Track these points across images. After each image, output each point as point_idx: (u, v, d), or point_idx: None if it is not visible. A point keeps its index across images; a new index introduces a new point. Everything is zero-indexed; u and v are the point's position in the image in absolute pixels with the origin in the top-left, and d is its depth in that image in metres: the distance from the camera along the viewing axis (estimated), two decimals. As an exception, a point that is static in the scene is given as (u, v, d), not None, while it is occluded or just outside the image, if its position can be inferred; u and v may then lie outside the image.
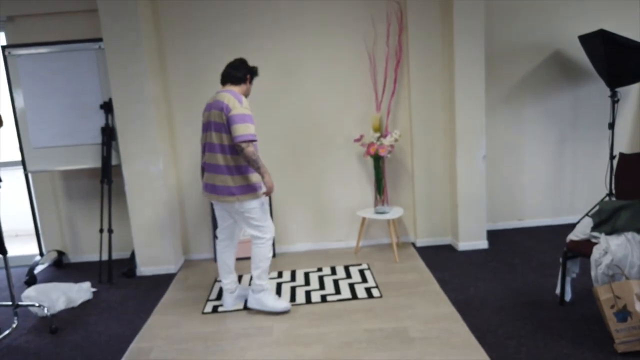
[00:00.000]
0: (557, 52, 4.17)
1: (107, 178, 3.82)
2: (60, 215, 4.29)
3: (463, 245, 3.94)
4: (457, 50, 3.69)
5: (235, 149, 2.85)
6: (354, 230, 4.19)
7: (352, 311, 3.00)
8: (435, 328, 2.72)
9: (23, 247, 4.78)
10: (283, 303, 3.05)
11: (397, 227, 4.17)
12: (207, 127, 2.96)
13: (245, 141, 2.77)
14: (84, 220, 4.29)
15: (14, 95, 3.79)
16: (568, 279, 2.89)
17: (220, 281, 3.40)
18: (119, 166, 3.80)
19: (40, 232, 4.18)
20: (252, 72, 3.04)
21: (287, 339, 2.72)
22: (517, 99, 4.22)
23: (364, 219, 3.95)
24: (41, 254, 4.17)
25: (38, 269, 4.15)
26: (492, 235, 4.23)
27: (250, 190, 2.92)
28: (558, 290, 2.91)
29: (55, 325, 3.06)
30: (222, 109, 2.82)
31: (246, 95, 3.03)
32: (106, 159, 3.81)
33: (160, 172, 3.76)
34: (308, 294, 3.29)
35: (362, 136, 3.86)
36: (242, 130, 2.77)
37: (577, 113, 4.28)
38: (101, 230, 3.88)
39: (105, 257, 4.21)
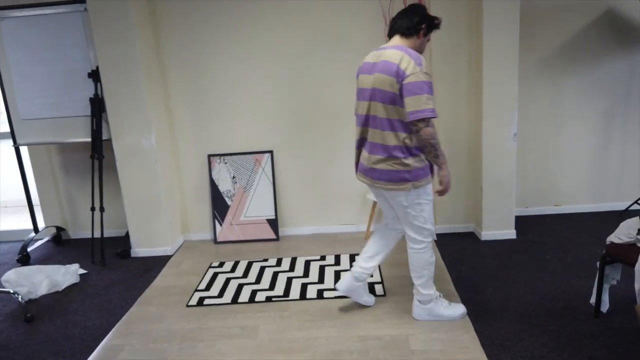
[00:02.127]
0: (610, 11, 3.53)
1: (97, 153, 3.55)
2: (58, 190, 4.10)
3: (487, 235, 3.49)
4: (486, 7, 3.14)
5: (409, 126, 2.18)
6: (365, 213, 3.80)
7: (350, 311, 2.65)
8: (440, 339, 2.34)
9: (14, 220, 4.65)
10: (459, 308, 2.51)
11: (413, 212, 3.74)
12: (367, 94, 2.28)
13: (422, 119, 2.12)
14: (82, 196, 4.08)
15: None
16: (606, 287, 2.42)
17: (353, 263, 2.83)
18: (111, 140, 3.53)
19: (34, 206, 4.00)
20: (430, 22, 2.27)
21: (271, 344, 2.41)
22: (556, 66, 3.64)
23: (375, 202, 3.54)
24: (35, 230, 4.01)
25: (35, 244, 4.00)
26: (523, 222, 3.74)
27: (423, 178, 2.27)
28: (593, 300, 2.45)
29: (32, 313, 2.87)
30: (395, 74, 2.13)
31: (420, 53, 2.26)
32: (96, 133, 3.53)
33: (153, 146, 3.45)
34: (304, 287, 2.95)
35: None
36: (418, 104, 2.09)
37: (631, 84, 3.66)
38: (92, 209, 3.65)
39: (98, 236, 4.01)
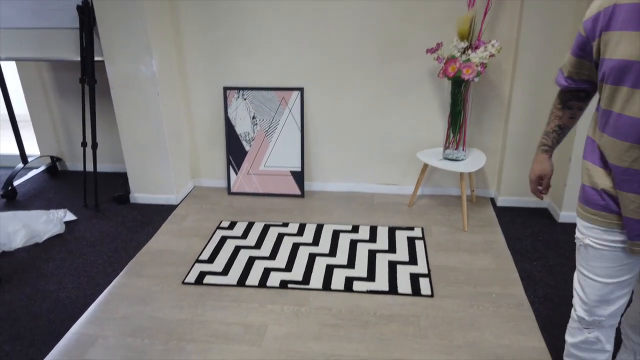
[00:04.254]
0: None
1: (87, 76, 2.88)
2: (53, 116, 3.50)
3: (566, 216, 2.74)
4: None
5: None
6: (412, 172, 3.07)
7: (385, 318, 2.03)
8: (509, 382, 1.71)
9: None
10: None
11: (473, 178, 3.00)
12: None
13: None
14: (80, 123, 3.48)
15: (-31, -48, 2.81)
16: None
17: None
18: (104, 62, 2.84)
19: (20, 133, 3.43)
20: None
21: (279, 356, 1.84)
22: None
23: (426, 165, 2.80)
24: (24, 160, 3.47)
25: (27, 175, 3.48)
26: (611, 201, 2.96)
27: None
28: None
29: (0, 273, 2.38)
30: None
31: None
32: (86, 51, 2.84)
33: (154, 74, 2.76)
34: (329, 272, 2.34)
35: (439, 45, 2.56)
36: None
37: None
38: (83, 144, 3.04)
39: (91, 176, 3.45)
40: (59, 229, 2.76)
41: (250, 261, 2.44)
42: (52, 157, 3.57)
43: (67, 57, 2.93)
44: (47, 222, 2.73)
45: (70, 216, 2.92)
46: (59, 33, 2.87)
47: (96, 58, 2.86)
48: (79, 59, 2.89)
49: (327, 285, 2.24)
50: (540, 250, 2.50)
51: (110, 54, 2.74)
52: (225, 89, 3.02)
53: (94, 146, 2.98)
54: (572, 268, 2.34)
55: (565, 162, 2.66)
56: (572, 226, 2.70)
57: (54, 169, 3.59)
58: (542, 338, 1.90)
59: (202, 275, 2.34)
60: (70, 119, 3.47)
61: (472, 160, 2.71)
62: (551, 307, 2.08)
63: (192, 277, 2.32)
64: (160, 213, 2.97)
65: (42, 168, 3.56)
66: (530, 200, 2.93)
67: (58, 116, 3.49)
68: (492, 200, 3.02)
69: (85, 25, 2.77)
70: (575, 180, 2.64)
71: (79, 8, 2.76)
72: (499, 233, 2.66)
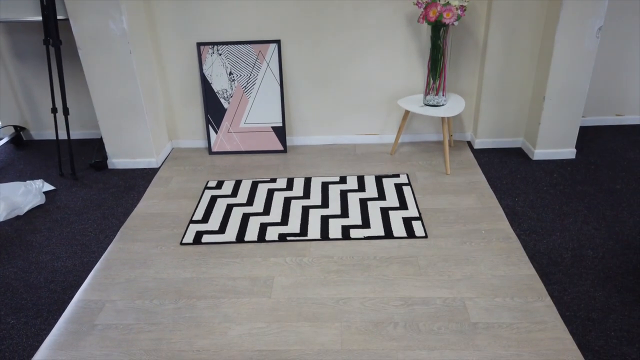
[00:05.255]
0: None
1: (51, 37, 2.72)
2: (12, 83, 3.30)
3: (540, 153, 2.89)
4: None
5: None
6: (392, 121, 3.12)
7: (385, 260, 2.12)
8: (507, 307, 1.84)
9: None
10: None
11: (450, 122, 3.08)
12: None
13: None
14: (43, 89, 3.31)
15: None
16: None
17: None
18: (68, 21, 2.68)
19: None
20: None
21: (291, 307, 1.90)
22: None
23: (407, 112, 2.85)
24: (-13, 132, 3.29)
25: (-9, 149, 3.31)
26: (579, 135, 3.13)
27: None
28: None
29: (-15, 249, 2.31)
30: None
31: None
32: (47, 9, 2.66)
33: (125, 31, 2.63)
34: (325, 222, 2.39)
35: (418, -11, 2.57)
36: None
37: None
38: (54, 110, 2.91)
39: (65, 144, 3.32)
40: (39, 199, 2.67)
41: (245, 218, 2.46)
42: (15, 127, 3.39)
43: (27, 17, 2.74)
44: (26, 194, 2.63)
45: (48, 186, 2.82)
46: (15, -9, 2.67)
47: (59, 17, 2.69)
48: (40, 18, 2.71)
49: (325, 235, 2.30)
50: (519, 187, 2.64)
51: (75, 11, 2.58)
52: (199, 44, 2.92)
53: (65, 111, 2.85)
54: (550, 201, 2.49)
55: (539, 100, 2.77)
56: (547, 163, 2.85)
57: (19, 139, 3.42)
58: (532, 266, 2.04)
59: (199, 235, 2.35)
60: (33, 85, 3.29)
61: (452, 105, 2.78)
62: (536, 238, 2.22)
63: (189, 238, 2.33)
64: (142, 177, 2.92)
65: (5, 139, 3.38)
66: (505, 141, 3.05)
67: (18, 83, 3.30)
68: (469, 144, 3.13)
69: (44, -18, 2.59)
70: (548, 119, 2.77)
71: (35, -37, 2.56)
72: (479, 174, 2.77)
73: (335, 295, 1.94)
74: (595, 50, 2.60)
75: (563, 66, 2.63)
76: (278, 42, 2.90)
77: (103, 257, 2.24)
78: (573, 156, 2.90)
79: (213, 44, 2.92)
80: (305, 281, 2.02)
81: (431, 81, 2.73)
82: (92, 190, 2.81)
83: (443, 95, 2.76)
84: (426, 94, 2.78)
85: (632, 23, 2.96)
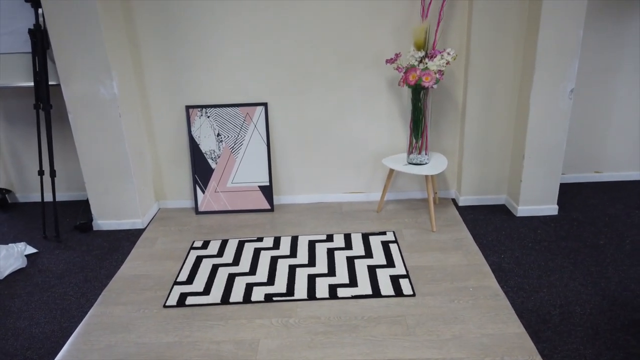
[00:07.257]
0: None
1: (42, 102, 2.78)
2: (0, 146, 3.32)
3: (524, 210, 2.93)
4: None
5: None
6: (377, 179, 3.18)
7: (372, 320, 2.09)
8: (498, 368, 1.81)
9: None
10: None
11: (435, 180, 3.14)
12: None
13: None
14: (31, 152, 3.33)
15: None
16: None
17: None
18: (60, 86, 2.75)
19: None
20: None
21: (276, 370, 1.84)
22: (620, 6, 2.95)
23: (392, 170, 2.91)
24: (-28, 195, 3.27)
25: (-25, 211, 3.28)
26: (560, 192, 3.20)
27: None
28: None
29: (-39, 315, 2.23)
30: None
31: None
32: (40, 75, 2.74)
33: (115, 96, 2.70)
34: (312, 281, 2.37)
35: (397, 55, 2.69)
36: None
37: None
38: (40, 172, 2.91)
39: (50, 206, 3.30)
40: (20, 263, 2.62)
41: (231, 278, 2.43)
42: (0, 190, 3.38)
43: (21, 82, 2.81)
44: (7, 257, 2.58)
45: (30, 249, 2.78)
46: (9, 58, 2.76)
47: (50, 82, 2.77)
48: (32, 84, 2.79)
49: (311, 294, 2.27)
50: (505, 243, 2.66)
51: (67, 77, 2.66)
52: (188, 107, 3.00)
53: (52, 174, 2.86)
54: (536, 258, 2.50)
55: (519, 158, 2.85)
56: (530, 219, 2.89)
57: (4, 202, 3.40)
58: (521, 324, 2.02)
59: (183, 296, 2.30)
60: (20, 148, 3.31)
61: (435, 163, 2.84)
62: (524, 295, 2.21)
63: (173, 300, 2.28)
64: (127, 238, 2.89)
65: (-10, 201, 3.36)
66: (489, 198, 3.10)
67: (6, 146, 3.32)
68: (454, 201, 3.18)
69: (38, 49, 2.68)
70: (528, 176, 2.84)
71: (30, 31, 2.66)
72: (465, 231, 2.80)
73: (322, 358, 1.89)
74: (569, 111, 2.71)
75: (539, 126, 2.73)
76: (265, 104, 2.99)
77: (83, 321, 2.18)
78: (556, 212, 2.94)
79: (201, 106, 2.99)
80: (291, 343, 1.97)
81: (414, 140, 2.81)
82: (75, 252, 2.77)
83: (426, 154, 2.83)
84: (409, 152, 2.85)
85: (604, 84, 3.11)
